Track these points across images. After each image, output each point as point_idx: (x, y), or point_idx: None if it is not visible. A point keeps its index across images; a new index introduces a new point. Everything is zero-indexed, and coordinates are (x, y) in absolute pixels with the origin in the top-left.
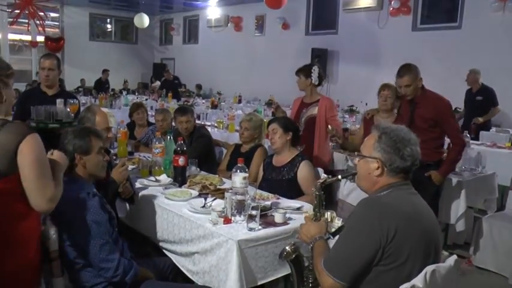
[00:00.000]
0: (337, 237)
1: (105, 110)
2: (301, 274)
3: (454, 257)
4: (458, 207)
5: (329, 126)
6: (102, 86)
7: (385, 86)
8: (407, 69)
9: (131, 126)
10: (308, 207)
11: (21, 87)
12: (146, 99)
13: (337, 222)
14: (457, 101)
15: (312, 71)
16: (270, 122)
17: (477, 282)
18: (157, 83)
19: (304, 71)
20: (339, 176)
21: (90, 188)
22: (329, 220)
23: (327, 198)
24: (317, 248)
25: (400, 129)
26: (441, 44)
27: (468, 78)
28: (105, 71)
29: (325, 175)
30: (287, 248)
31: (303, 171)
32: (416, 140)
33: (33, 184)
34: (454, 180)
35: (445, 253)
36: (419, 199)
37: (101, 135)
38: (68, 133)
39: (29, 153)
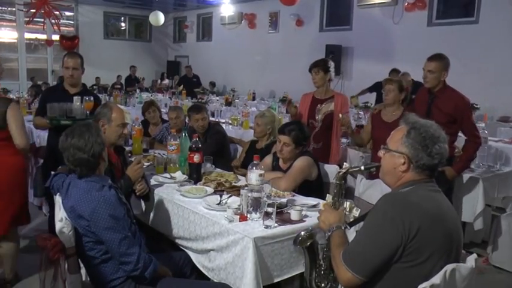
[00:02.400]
0: (353, 228)
1: (121, 107)
2: (314, 261)
3: (474, 255)
4: (476, 205)
5: (340, 115)
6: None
7: (386, 81)
8: (438, 57)
9: (145, 123)
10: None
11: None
12: (156, 95)
13: (355, 213)
14: (475, 98)
15: (329, 65)
16: (282, 130)
17: (494, 282)
18: (166, 81)
19: (322, 66)
20: (362, 167)
21: (105, 181)
22: (347, 210)
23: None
24: (335, 238)
25: (429, 125)
26: (458, 40)
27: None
28: (132, 67)
29: (347, 164)
30: (302, 233)
31: (297, 162)
32: (446, 138)
33: (16, 129)
34: (472, 177)
35: (463, 251)
36: (443, 197)
37: (121, 110)
38: (85, 135)
39: (13, 113)
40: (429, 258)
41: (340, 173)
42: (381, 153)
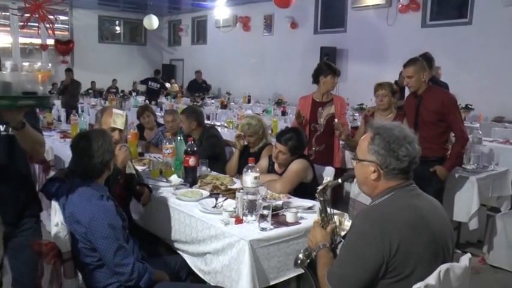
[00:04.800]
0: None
1: (116, 110)
2: (317, 278)
3: (468, 255)
4: (471, 205)
5: (335, 120)
6: (197, 87)
7: (379, 86)
8: (412, 61)
9: (141, 127)
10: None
11: None
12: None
13: (347, 224)
14: (468, 98)
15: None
16: (279, 139)
17: (491, 281)
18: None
19: (338, 71)
20: (339, 180)
21: (104, 191)
22: (337, 224)
23: (337, 195)
24: (321, 258)
25: (393, 127)
26: (451, 41)
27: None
28: (198, 72)
29: (329, 178)
30: (300, 255)
31: (292, 164)
32: (414, 137)
33: None
34: (467, 177)
35: (458, 251)
36: (424, 200)
37: (111, 114)
38: (99, 140)
39: None
40: (416, 268)
41: (319, 189)
42: (352, 163)
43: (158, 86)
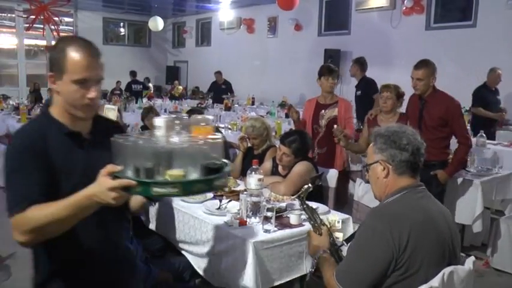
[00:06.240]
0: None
1: (110, 106)
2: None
3: (472, 258)
4: (474, 208)
5: (335, 126)
6: (217, 88)
7: (384, 88)
8: (424, 64)
9: (145, 129)
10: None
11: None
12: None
13: (338, 225)
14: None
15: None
16: (283, 141)
17: (495, 284)
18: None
19: (336, 73)
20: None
21: None
22: (329, 227)
23: (342, 197)
24: (323, 263)
25: (391, 126)
26: (455, 43)
27: None
28: (218, 73)
29: (306, 186)
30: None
31: (296, 166)
32: (414, 131)
33: None
34: (470, 180)
35: (462, 255)
36: (432, 204)
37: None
38: None
39: None
40: (421, 267)
41: (293, 198)
42: (367, 176)
43: (141, 87)
